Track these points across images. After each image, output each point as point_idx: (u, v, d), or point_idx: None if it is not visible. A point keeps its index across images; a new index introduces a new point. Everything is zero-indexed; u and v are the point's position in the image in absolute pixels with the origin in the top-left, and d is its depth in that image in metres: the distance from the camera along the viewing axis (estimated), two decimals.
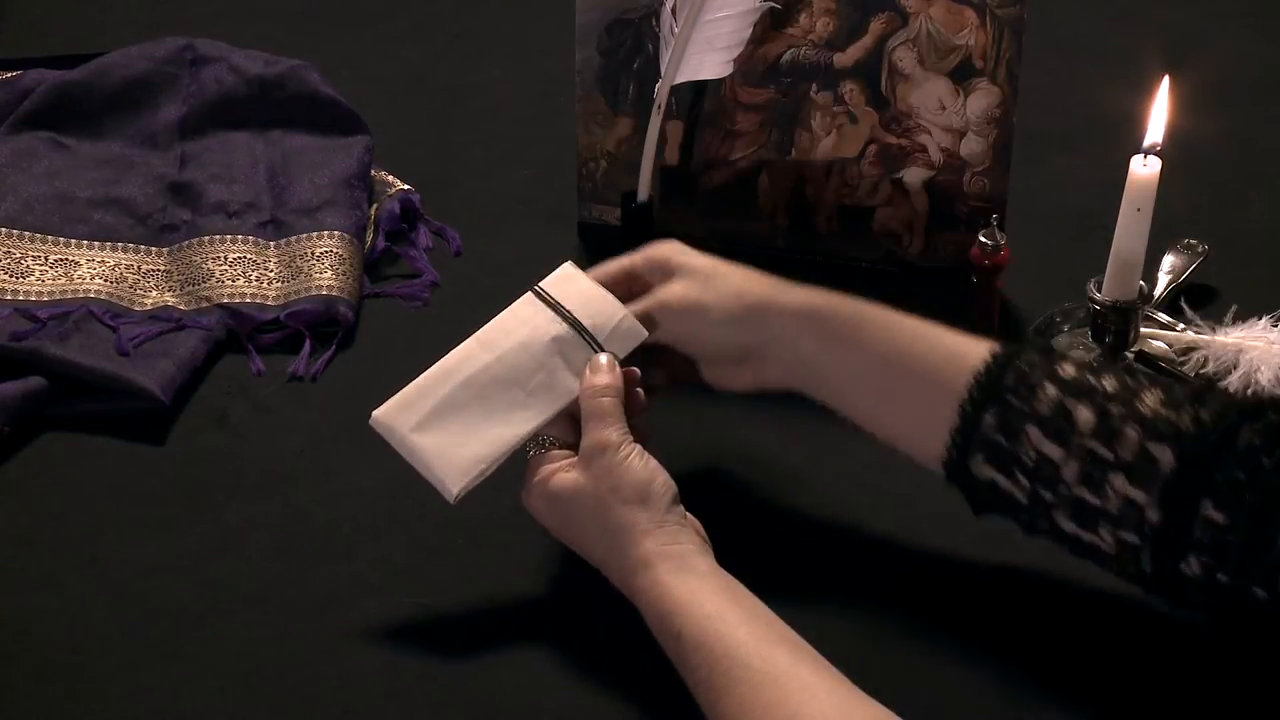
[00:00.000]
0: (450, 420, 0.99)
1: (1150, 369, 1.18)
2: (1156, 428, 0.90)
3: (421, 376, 1.00)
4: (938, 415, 0.96)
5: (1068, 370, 0.94)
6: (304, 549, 1.06)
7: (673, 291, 1.05)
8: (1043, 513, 0.94)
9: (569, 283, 1.05)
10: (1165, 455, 0.89)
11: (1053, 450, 0.92)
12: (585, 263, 1.35)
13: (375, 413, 1.00)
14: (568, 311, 1.03)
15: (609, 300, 1.04)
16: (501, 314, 1.03)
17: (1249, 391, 1.17)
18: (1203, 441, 0.89)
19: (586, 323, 1.02)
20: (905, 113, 1.28)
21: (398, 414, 0.99)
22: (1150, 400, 0.91)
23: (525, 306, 1.03)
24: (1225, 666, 0.96)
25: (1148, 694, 0.96)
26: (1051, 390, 0.93)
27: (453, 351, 1.01)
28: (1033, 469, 0.93)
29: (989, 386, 0.94)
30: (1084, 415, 0.92)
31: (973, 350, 0.96)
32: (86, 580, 1.03)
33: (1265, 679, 0.95)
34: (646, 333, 1.03)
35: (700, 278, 1.05)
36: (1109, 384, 0.92)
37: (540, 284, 1.04)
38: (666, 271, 1.06)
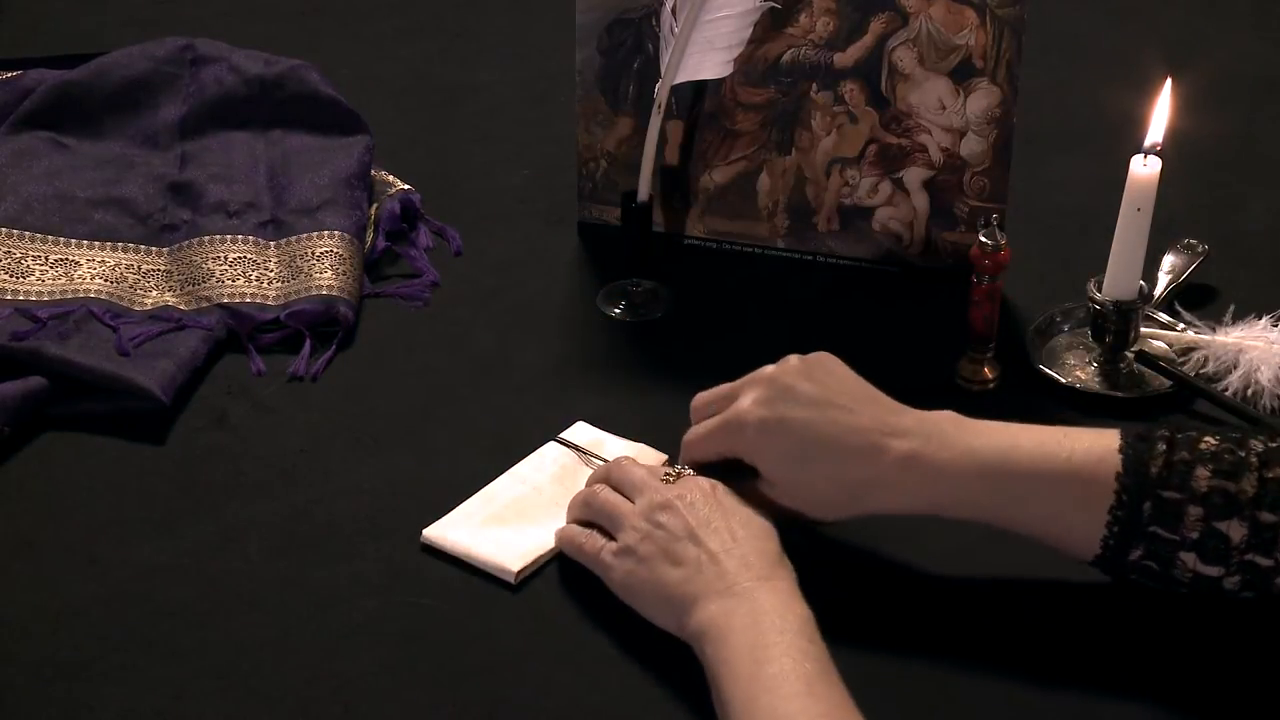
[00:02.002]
0: (500, 528, 1.06)
1: (1150, 368, 1.19)
2: None
3: (465, 503, 1.08)
4: (1082, 541, 0.95)
5: (1204, 482, 0.92)
6: (304, 549, 1.06)
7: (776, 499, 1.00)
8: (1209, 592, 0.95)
9: (587, 431, 1.14)
10: None
11: (1210, 570, 0.93)
12: (585, 263, 1.36)
13: (425, 531, 1.06)
14: (591, 451, 1.11)
15: (623, 441, 1.13)
16: (529, 456, 1.11)
17: (1249, 391, 1.17)
18: None
19: (608, 457, 1.10)
20: (905, 112, 1.28)
21: (449, 528, 1.06)
22: None
23: (551, 449, 1.12)
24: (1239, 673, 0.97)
25: (1153, 691, 0.96)
26: (1195, 511, 0.92)
27: (488, 486, 1.09)
28: (1190, 583, 0.94)
29: (1128, 522, 0.93)
30: (1236, 532, 0.92)
31: (1102, 466, 0.94)
32: (86, 580, 1.03)
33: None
34: (665, 457, 1.10)
35: (793, 491, 1.00)
36: (1250, 488, 0.91)
37: (561, 435, 1.13)
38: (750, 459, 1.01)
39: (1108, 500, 0.93)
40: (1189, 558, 0.93)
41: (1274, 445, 0.93)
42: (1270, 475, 0.92)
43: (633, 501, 1.00)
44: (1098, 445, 0.95)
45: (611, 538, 1.00)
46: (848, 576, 1.03)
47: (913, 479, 0.97)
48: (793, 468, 0.99)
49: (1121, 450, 0.94)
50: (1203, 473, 0.92)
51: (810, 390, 0.99)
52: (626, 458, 1.07)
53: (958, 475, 0.96)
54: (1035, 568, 1.02)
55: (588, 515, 1.03)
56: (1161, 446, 0.94)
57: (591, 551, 1.00)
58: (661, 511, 0.98)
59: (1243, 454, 0.93)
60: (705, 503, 0.98)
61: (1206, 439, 0.93)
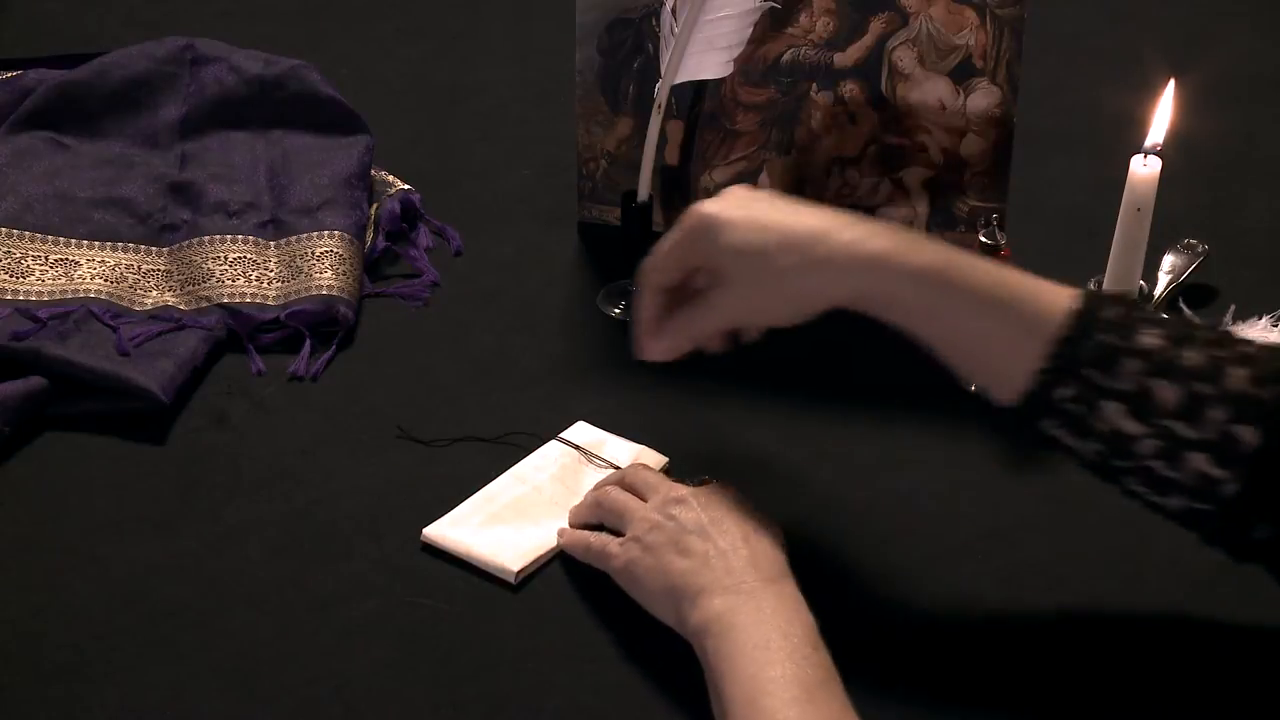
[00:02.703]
0: (500, 527, 1.06)
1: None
2: (1244, 408, 0.88)
3: (465, 502, 1.07)
4: (1015, 370, 0.92)
5: (1149, 340, 0.90)
6: (304, 549, 1.06)
7: (732, 308, 0.99)
8: (1109, 473, 0.92)
9: (587, 431, 1.14)
10: (1251, 435, 0.87)
11: (1131, 426, 0.90)
12: (585, 263, 1.36)
13: (425, 530, 1.05)
14: (590, 452, 1.11)
15: (623, 441, 1.12)
16: (529, 456, 1.12)
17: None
18: None
19: (608, 456, 1.11)
20: (905, 112, 1.28)
21: (450, 527, 1.06)
22: (1237, 377, 0.88)
23: (552, 449, 1.12)
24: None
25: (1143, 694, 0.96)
26: (1133, 365, 0.90)
27: (489, 485, 1.09)
28: (1108, 438, 0.91)
29: (1067, 357, 0.90)
30: (1167, 394, 0.89)
31: (1055, 303, 0.92)
32: (86, 580, 1.03)
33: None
34: (665, 459, 1.11)
35: (750, 278, 0.98)
36: (1193, 358, 0.89)
37: (562, 434, 1.13)
38: (713, 271, 0.99)
39: (1052, 329, 0.91)
40: (1112, 408, 0.90)
41: (1227, 334, 0.92)
42: (1218, 353, 0.90)
43: (645, 500, 1.01)
44: (1055, 288, 0.93)
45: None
46: (853, 587, 1.03)
47: (858, 264, 0.94)
48: (752, 255, 0.97)
49: (1078, 295, 0.92)
50: (1150, 334, 0.91)
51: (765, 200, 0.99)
52: (641, 465, 1.07)
53: (900, 269, 0.94)
54: (1040, 572, 1.02)
55: (597, 516, 1.03)
56: (1120, 304, 0.92)
57: (598, 546, 1.01)
58: (674, 505, 0.98)
59: (1195, 331, 0.91)
60: (719, 504, 0.98)
61: (1160, 323, 0.92)
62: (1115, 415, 0.90)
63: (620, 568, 0.98)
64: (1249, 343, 0.91)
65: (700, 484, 1.02)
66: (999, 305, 0.92)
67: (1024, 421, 0.93)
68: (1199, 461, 0.88)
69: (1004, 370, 0.92)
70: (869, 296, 0.95)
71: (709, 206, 0.98)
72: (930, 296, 0.93)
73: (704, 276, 1.00)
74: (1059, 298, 0.92)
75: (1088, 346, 0.90)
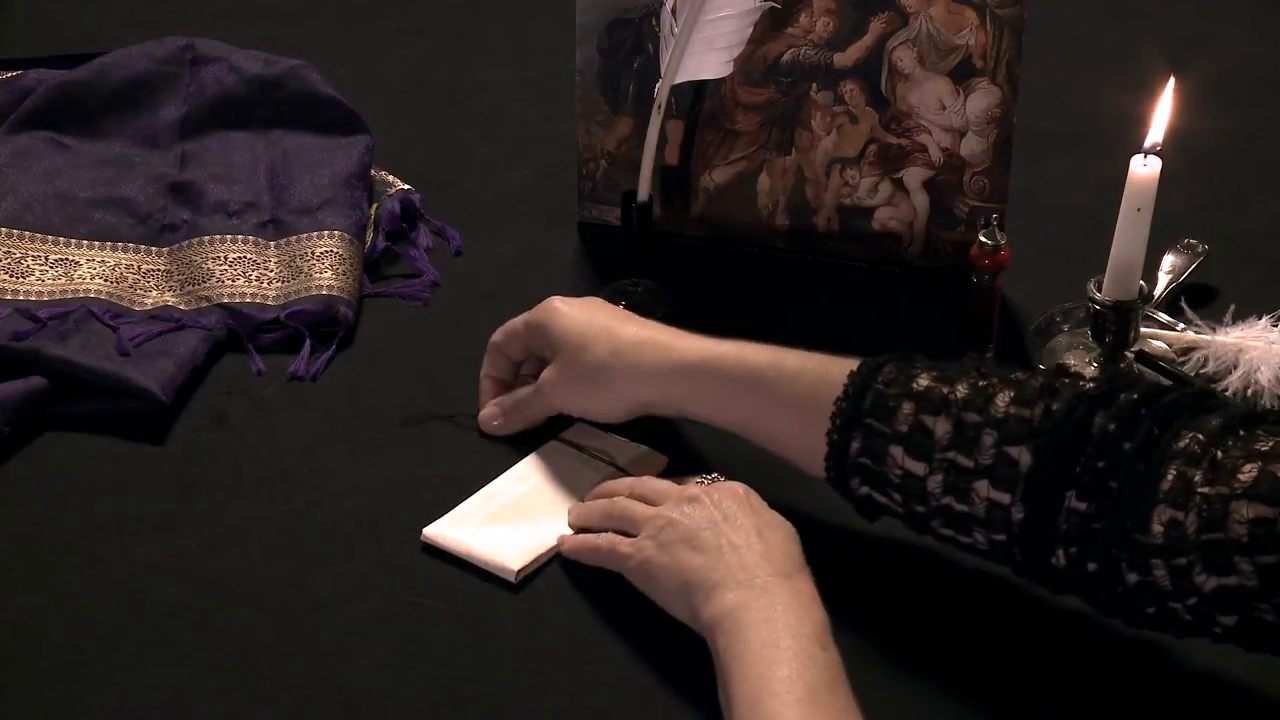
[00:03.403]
0: (501, 526, 1.06)
1: (1150, 368, 1.18)
2: (1010, 429, 0.92)
3: (465, 502, 1.08)
4: (813, 441, 0.99)
5: (922, 382, 0.96)
6: (304, 549, 1.06)
7: (558, 377, 1.10)
8: (919, 521, 0.97)
9: (587, 431, 1.14)
10: (1023, 455, 0.91)
11: (916, 466, 0.95)
12: (585, 263, 1.36)
13: (425, 530, 1.05)
14: (590, 452, 1.12)
15: (623, 441, 1.13)
16: (529, 456, 1.12)
17: (1249, 391, 1.17)
18: (1056, 436, 0.90)
19: (606, 457, 1.11)
20: (905, 112, 1.28)
21: (450, 527, 1.05)
22: (1002, 402, 0.93)
23: (552, 448, 1.12)
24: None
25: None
26: (908, 407, 0.95)
27: (489, 485, 1.09)
28: (901, 484, 0.96)
29: (850, 413, 0.97)
30: (941, 428, 0.94)
31: (835, 373, 0.99)
32: (86, 580, 1.03)
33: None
34: (665, 459, 1.11)
35: (573, 370, 1.09)
36: (962, 391, 0.94)
37: (562, 434, 1.14)
38: (544, 342, 1.11)
39: (837, 392, 0.98)
40: (897, 451, 0.95)
41: (999, 369, 0.96)
42: (981, 383, 0.94)
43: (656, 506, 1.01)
44: (838, 360, 1.00)
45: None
46: (852, 587, 1.02)
47: (662, 368, 1.05)
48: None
49: (861, 361, 0.99)
50: (923, 377, 0.96)
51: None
52: (649, 477, 1.07)
53: (700, 365, 1.04)
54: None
55: (607, 524, 1.03)
56: (900, 359, 0.99)
57: (608, 546, 1.01)
58: (688, 503, 0.99)
59: (969, 368, 0.96)
60: (732, 501, 0.99)
61: (934, 368, 0.98)
62: (900, 457, 0.95)
63: (635, 566, 0.98)
64: (1025, 371, 0.96)
65: (711, 481, 1.02)
66: (791, 385, 1.00)
67: (838, 487, 1.00)
68: (983, 489, 0.93)
69: (804, 443, 1.00)
70: (682, 396, 1.05)
71: (557, 300, 1.11)
72: (713, 388, 1.03)
73: (535, 365, 1.14)
74: (841, 367, 0.99)
75: (867, 398, 0.96)
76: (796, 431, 1.01)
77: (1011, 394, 0.93)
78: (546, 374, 1.11)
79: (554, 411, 1.12)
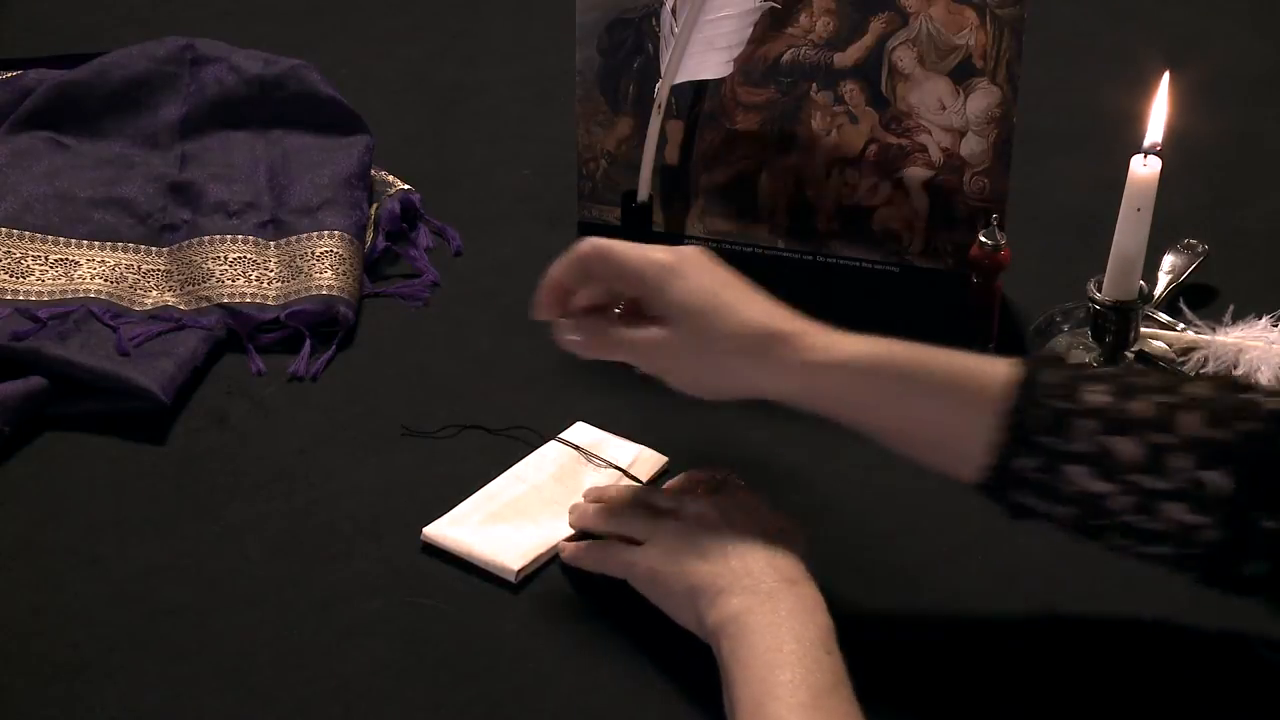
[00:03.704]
0: (501, 526, 1.06)
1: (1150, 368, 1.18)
2: (1205, 452, 0.88)
3: (465, 502, 1.07)
4: (969, 448, 0.92)
5: (1098, 397, 0.90)
6: (304, 549, 1.06)
7: (664, 344, 0.99)
8: (1091, 533, 0.93)
9: (587, 431, 1.14)
10: (1221, 480, 0.88)
11: (1099, 486, 0.90)
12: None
13: (425, 529, 1.05)
14: (590, 452, 1.12)
15: (622, 441, 1.13)
16: (529, 456, 1.12)
17: None
18: (1257, 459, 0.87)
19: (608, 457, 1.11)
20: (905, 112, 1.28)
21: (450, 526, 1.05)
22: (1191, 423, 0.89)
23: (551, 449, 1.12)
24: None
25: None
26: (1087, 425, 0.90)
27: (489, 485, 1.09)
28: (1078, 499, 0.91)
29: (1019, 427, 0.91)
30: (1126, 449, 0.89)
31: (992, 376, 0.92)
32: (86, 580, 1.03)
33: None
34: (666, 459, 1.11)
35: (692, 325, 0.98)
36: (1144, 409, 0.90)
37: (561, 434, 1.14)
38: (652, 302, 0.99)
39: (1001, 403, 0.91)
40: (1076, 470, 0.90)
41: (1170, 378, 0.92)
42: (1165, 400, 0.90)
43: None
44: (991, 361, 0.94)
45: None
46: (853, 587, 1.02)
47: (793, 365, 0.96)
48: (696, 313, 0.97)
49: (1017, 365, 0.93)
50: (1097, 389, 0.91)
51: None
52: (651, 486, 1.07)
53: (841, 365, 0.95)
54: (1040, 572, 1.02)
55: (610, 528, 1.02)
56: (1058, 366, 0.94)
57: (613, 555, 1.00)
58: (694, 510, 0.99)
59: (1138, 380, 0.92)
60: (739, 507, 0.99)
61: (1106, 368, 0.93)
62: (1080, 477, 0.90)
63: (642, 574, 0.98)
64: (1192, 380, 0.93)
65: (724, 477, 1.03)
66: (941, 388, 0.93)
67: (993, 496, 0.94)
68: (1175, 511, 0.89)
69: (959, 451, 0.93)
70: (816, 394, 0.97)
71: (671, 258, 0.99)
72: (870, 389, 0.95)
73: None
74: (997, 369, 0.93)
75: (1037, 414, 0.91)
76: (945, 439, 0.94)
77: (1199, 414, 0.89)
78: (654, 334, 0.98)
79: (642, 368, 1.01)
